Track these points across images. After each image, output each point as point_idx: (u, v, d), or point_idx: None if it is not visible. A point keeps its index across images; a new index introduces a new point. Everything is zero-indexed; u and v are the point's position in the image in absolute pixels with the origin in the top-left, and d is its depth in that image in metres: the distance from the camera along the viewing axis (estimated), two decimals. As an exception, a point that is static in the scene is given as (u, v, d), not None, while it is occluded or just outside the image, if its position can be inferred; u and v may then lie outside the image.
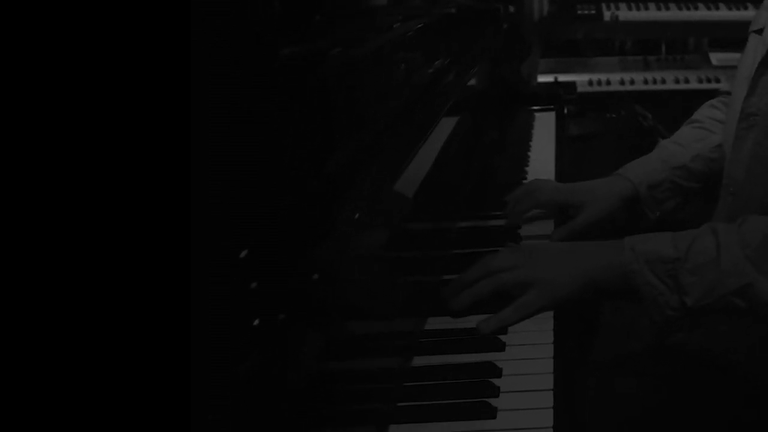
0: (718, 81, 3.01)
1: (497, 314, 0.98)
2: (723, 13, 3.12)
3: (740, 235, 0.97)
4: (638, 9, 3.17)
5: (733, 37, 3.12)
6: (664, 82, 3.05)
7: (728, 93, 1.49)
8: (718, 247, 0.97)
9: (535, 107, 2.18)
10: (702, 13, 3.14)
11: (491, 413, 0.82)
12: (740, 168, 1.22)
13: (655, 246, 0.99)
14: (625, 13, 3.15)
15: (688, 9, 3.16)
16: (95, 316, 0.49)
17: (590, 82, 3.02)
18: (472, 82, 1.59)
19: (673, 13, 3.15)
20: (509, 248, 1.08)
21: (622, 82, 3.03)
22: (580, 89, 2.82)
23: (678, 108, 2.35)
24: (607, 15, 3.14)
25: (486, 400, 0.84)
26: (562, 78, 2.86)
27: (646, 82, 3.05)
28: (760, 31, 1.29)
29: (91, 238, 0.49)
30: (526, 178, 1.58)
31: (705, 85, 3.03)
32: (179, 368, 0.49)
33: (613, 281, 1.00)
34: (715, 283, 0.96)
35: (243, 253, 0.58)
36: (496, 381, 0.87)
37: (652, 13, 3.16)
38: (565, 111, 2.14)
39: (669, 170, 1.40)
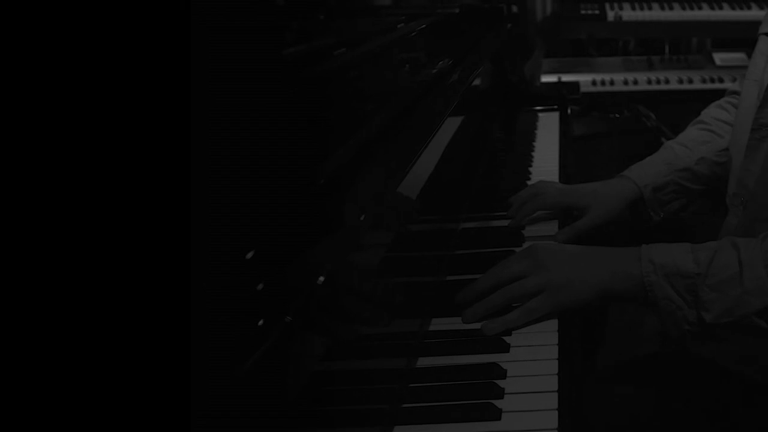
0: (721, 81, 3.01)
1: (503, 317, 0.98)
2: (726, 13, 3.11)
3: (764, 253, 0.94)
4: (642, 9, 3.17)
5: (737, 37, 3.12)
6: (667, 82, 3.05)
7: (736, 93, 1.48)
8: (741, 263, 0.94)
9: (538, 107, 2.18)
10: (705, 13, 3.13)
11: (496, 414, 0.82)
12: (753, 178, 1.20)
13: (675, 259, 0.96)
14: (628, 13, 3.15)
15: (692, 9, 3.15)
16: (97, 316, 0.49)
17: (594, 82, 3.01)
18: (476, 82, 1.59)
19: (677, 13, 3.15)
20: (520, 253, 1.05)
21: (625, 82, 3.02)
22: (583, 89, 2.82)
23: (681, 108, 2.35)
24: (610, 15, 3.14)
25: (490, 401, 0.83)
26: (566, 78, 2.86)
27: (649, 82, 3.05)
28: None
29: (92, 238, 0.49)
30: (530, 179, 1.58)
31: (708, 85, 3.03)
32: (179, 368, 0.49)
33: (630, 290, 0.98)
34: (736, 300, 0.93)
35: (249, 255, 0.57)
36: (500, 382, 0.87)
37: (656, 13, 3.16)
38: (569, 111, 2.14)
39: (673, 172, 1.39)
